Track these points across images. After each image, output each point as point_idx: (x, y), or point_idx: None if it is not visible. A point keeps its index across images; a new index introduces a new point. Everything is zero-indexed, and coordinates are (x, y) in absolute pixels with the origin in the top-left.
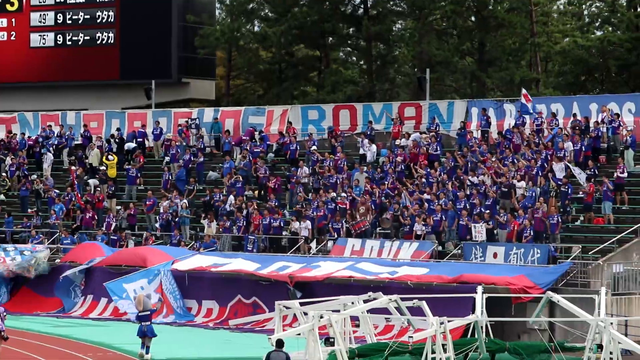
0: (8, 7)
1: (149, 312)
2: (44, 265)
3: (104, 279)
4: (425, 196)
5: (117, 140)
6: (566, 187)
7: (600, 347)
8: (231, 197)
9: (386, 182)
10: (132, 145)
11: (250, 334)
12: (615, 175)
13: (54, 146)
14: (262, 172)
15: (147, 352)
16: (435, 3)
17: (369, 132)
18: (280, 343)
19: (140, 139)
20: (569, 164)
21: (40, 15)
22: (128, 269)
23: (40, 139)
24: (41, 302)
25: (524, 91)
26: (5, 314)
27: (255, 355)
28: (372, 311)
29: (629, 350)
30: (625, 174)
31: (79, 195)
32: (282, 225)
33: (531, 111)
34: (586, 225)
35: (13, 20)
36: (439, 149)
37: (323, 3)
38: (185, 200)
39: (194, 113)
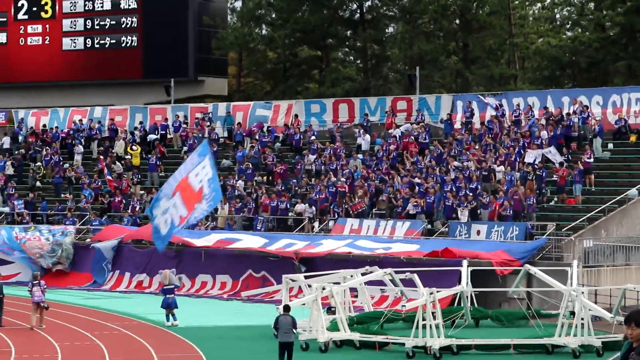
0: (43, 14)
1: (173, 287)
2: (70, 249)
3: (130, 256)
4: (416, 180)
5: (140, 132)
6: (541, 171)
7: (572, 313)
8: (240, 181)
9: (381, 168)
10: (154, 136)
11: (260, 304)
12: (583, 160)
13: (84, 138)
14: (270, 159)
15: (175, 319)
16: (423, 7)
17: (365, 124)
18: (287, 308)
19: (163, 131)
20: (549, 149)
21: (71, 21)
22: (150, 245)
23: (72, 132)
24: (74, 276)
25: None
26: (45, 287)
27: (265, 323)
28: (368, 283)
29: (598, 316)
30: (592, 159)
31: (111, 180)
32: (288, 207)
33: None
34: (559, 205)
35: (47, 26)
36: (427, 138)
37: (323, 9)
38: None
39: (209, 107)
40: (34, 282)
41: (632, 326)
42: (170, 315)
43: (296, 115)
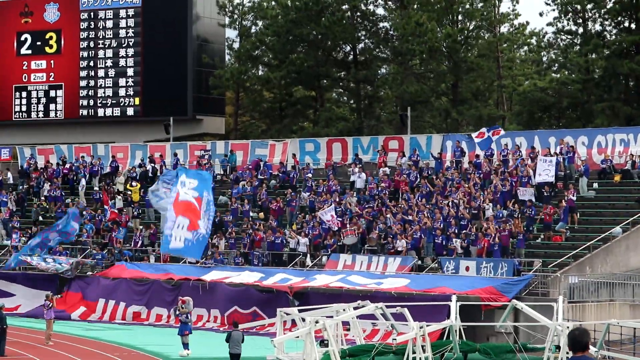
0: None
1: (187, 312)
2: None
3: (128, 287)
4: (407, 217)
5: (141, 168)
6: (530, 209)
7: (558, 347)
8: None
9: (372, 205)
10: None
11: (255, 337)
12: (567, 198)
13: (87, 174)
14: (265, 196)
15: (187, 348)
16: (413, 49)
17: (358, 162)
18: (236, 324)
19: (167, 168)
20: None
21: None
22: (151, 281)
23: (74, 168)
24: (84, 304)
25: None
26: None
27: (259, 355)
28: (360, 317)
29: None
30: (575, 197)
31: (114, 212)
32: (282, 242)
33: (492, 139)
34: (546, 242)
35: (52, 62)
36: (418, 176)
37: (317, 51)
38: None
39: (208, 145)
40: (48, 302)
41: None
42: (185, 343)
43: (294, 155)
